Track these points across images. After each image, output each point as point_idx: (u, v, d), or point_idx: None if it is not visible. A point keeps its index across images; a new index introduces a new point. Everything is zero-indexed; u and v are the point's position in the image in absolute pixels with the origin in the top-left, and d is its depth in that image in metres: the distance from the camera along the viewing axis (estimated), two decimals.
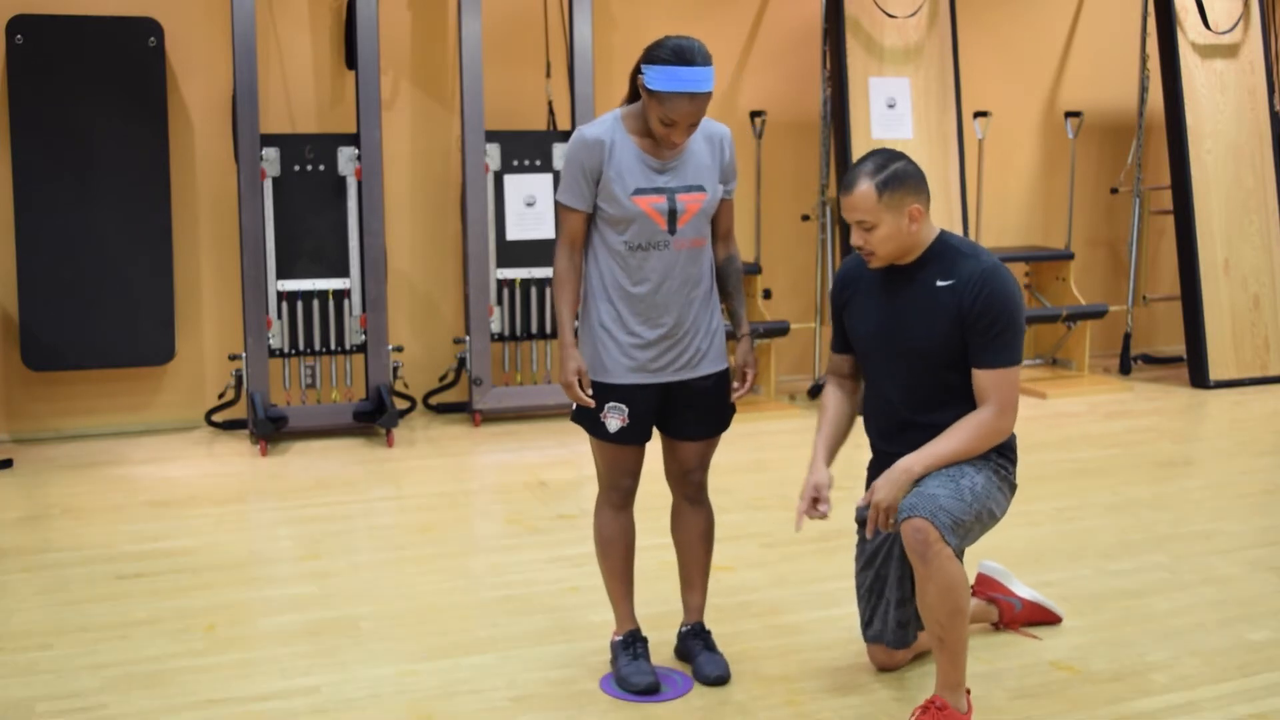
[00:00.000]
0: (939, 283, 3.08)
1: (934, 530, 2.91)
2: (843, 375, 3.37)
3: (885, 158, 3.09)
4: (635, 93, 3.19)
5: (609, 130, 3.16)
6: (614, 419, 3.21)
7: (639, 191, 3.13)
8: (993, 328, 3.03)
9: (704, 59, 3.05)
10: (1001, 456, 3.16)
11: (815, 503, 3.16)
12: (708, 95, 3.06)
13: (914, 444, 3.11)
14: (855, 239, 3.11)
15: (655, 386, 3.22)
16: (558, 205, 3.22)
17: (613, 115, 3.20)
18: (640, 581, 4.06)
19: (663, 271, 3.17)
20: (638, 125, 3.16)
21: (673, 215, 3.15)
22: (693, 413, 3.28)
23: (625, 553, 3.36)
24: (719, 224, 3.30)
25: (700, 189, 3.18)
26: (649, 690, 3.25)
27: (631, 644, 3.35)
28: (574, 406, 3.26)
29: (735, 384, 3.30)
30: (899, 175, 3.05)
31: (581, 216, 3.19)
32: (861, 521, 3.36)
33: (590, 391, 3.19)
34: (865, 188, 3.05)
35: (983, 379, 3.06)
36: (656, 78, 3.04)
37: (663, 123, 3.06)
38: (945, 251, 3.11)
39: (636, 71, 3.12)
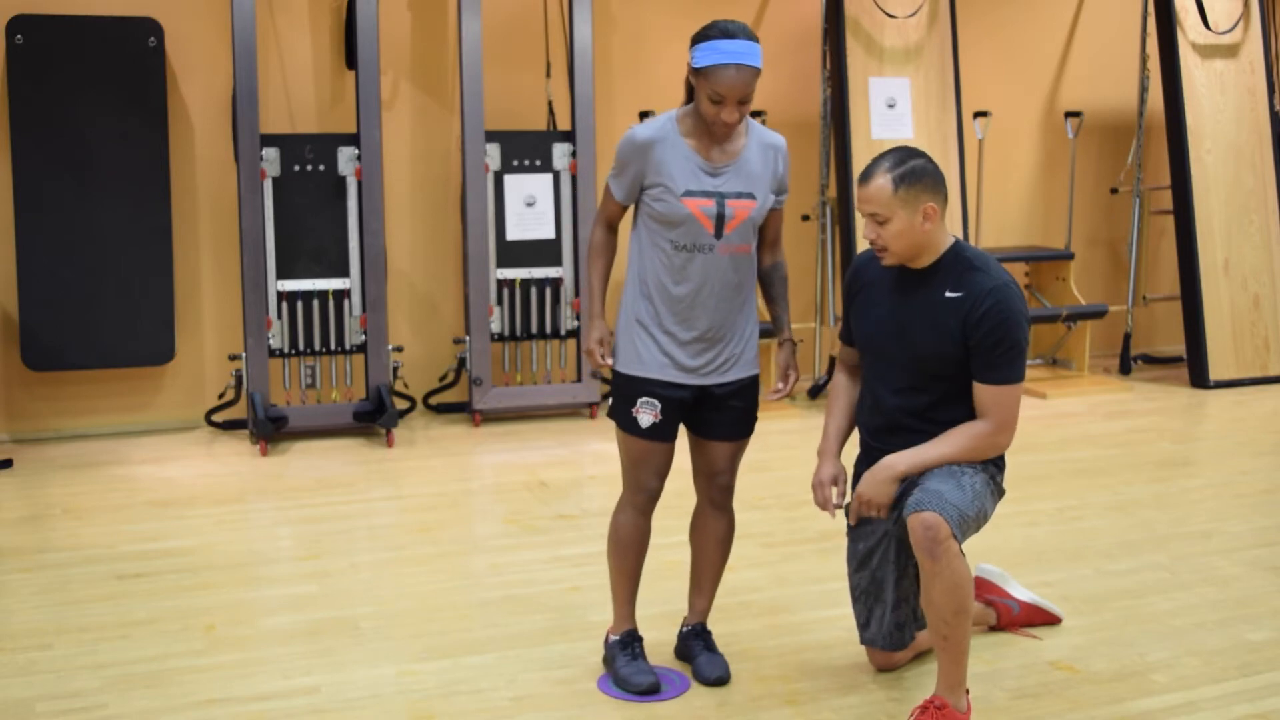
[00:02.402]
0: (948, 294, 3.08)
1: (945, 526, 2.91)
2: (853, 366, 3.37)
3: (905, 154, 3.09)
4: (690, 95, 3.18)
5: (661, 129, 3.16)
6: (646, 414, 3.21)
7: (689, 194, 3.12)
8: (998, 345, 3.03)
9: (749, 35, 3.06)
10: (991, 463, 3.17)
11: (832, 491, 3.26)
12: (755, 71, 3.05)
13: (905, 445, 3.14)
14: (868, 232, 3.11)
15: (687, 388, 3.22)
16: (606, 184, 3.26)
17: (668, 115, 3.20)
18: (642, 580, 4.07)
19: (704, 275, 3.17)
20: (692, 126, 3.16)
21: (720, 220, 3.14)
22: (720, 415, 3.27)
23: (639, 556, 3.36)
24: (767, 231, 3.29)
25: (750, 196, 3.17)
26: (650, 690, 3.25)
27: (630, 644, 3.35)
28: (610, 403, 3.28)
29: (778, 384, 3.31)
30: (916, 172, 3.05)
31: (620, 206, 3.25)
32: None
33: (610, 361, 3.24)
34: (881, 181, 3.05)
35: (983, 394, 3.07)
36: (702, 54, 3.05)
37: (711, 100, 3.05)
38: (958, 262, 3.11)
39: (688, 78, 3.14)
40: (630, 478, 3.31)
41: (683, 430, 3.33)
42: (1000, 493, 3.21)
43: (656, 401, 3.21)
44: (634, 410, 3.22)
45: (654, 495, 3.31)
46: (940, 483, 3.02)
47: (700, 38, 3.08)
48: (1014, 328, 3.04)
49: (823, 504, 3.29)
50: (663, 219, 3.15)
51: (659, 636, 3.58)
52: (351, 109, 6.14)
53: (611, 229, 3.31)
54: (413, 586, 4.08)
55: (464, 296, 6.36)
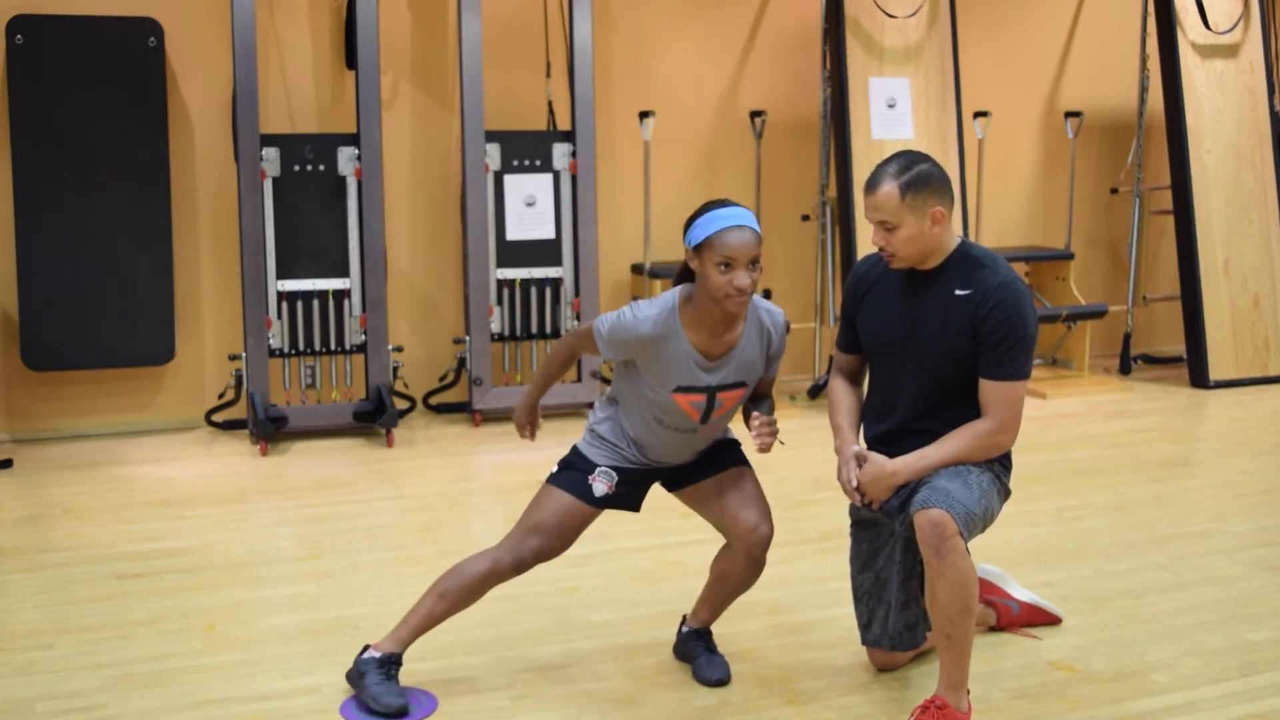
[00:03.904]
0: (957, 291, 3.07)
1: (952, 523, 2.91)
2: (851, 373, 3.37)
3: (910, 159, 3.07)
4: (686, 272, 3.13)
5: (664, 326, 3.07)
6: (602, 483, 3.20)
7: (680, 389, 3.10)
8: (1004, 341, 3.03)
9: (740, 206, 3.04)
10: (998, 463, 3.16)
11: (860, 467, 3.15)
12: (758, 235, 2.99)
13: (912, 449, 3.11)
14: (876, 239, 3.10)
15: (647, 471, 3.25)
16: (594, 330, 3.16)
17: (669, 303, 3.09)
18: (640, 581, 4.07)
19: (683, 445, 3.21)
20: (693, 315, 3.07)
21: (709, 410, 3.13)
22: (706, 459, 3.27)
23: (462, 608, 3.24)
24: (759, 387, 3.25)
25: (742, 385, 3.15)
26: (399, 713, 3.11)
27: (388, 665, 3.20)
28: (557, 469, 3.26)
29: (755, 416, 3.14)
30: (923, 177, 3.04)
31: (596, 354, 3.21)
32: (859, 522, 3.36)
33: (529, 435, 3.38)
34: (889, 188, 3.03)
35: (987, 390, 3.07)
36: (701, 227, 3.00)
37: (721, 270, 2.96)
38: (965, 261, 3.11)
39: (685, 263, 3.09)
40: (514, 540, 3.19)
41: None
42: (1006, 493, 3.20)
43: (615, 474, 3.21)
44: (590, 478, 3.20)
45: (520, 570, 3.20)
46: (948, 481, 3.01)
47: (693, 217, 3.04)
48: (1020, 323, 3.04)
49: (850, 486, 3.16)
50: (652, 400, 3.14)
51: (659, 636, 3.59)
52: (351, 109, 6.14)
53: (579, 354, 3.33)
54: (413, 586, 4.05)
55: (464, 296, 6.36)
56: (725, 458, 3.29)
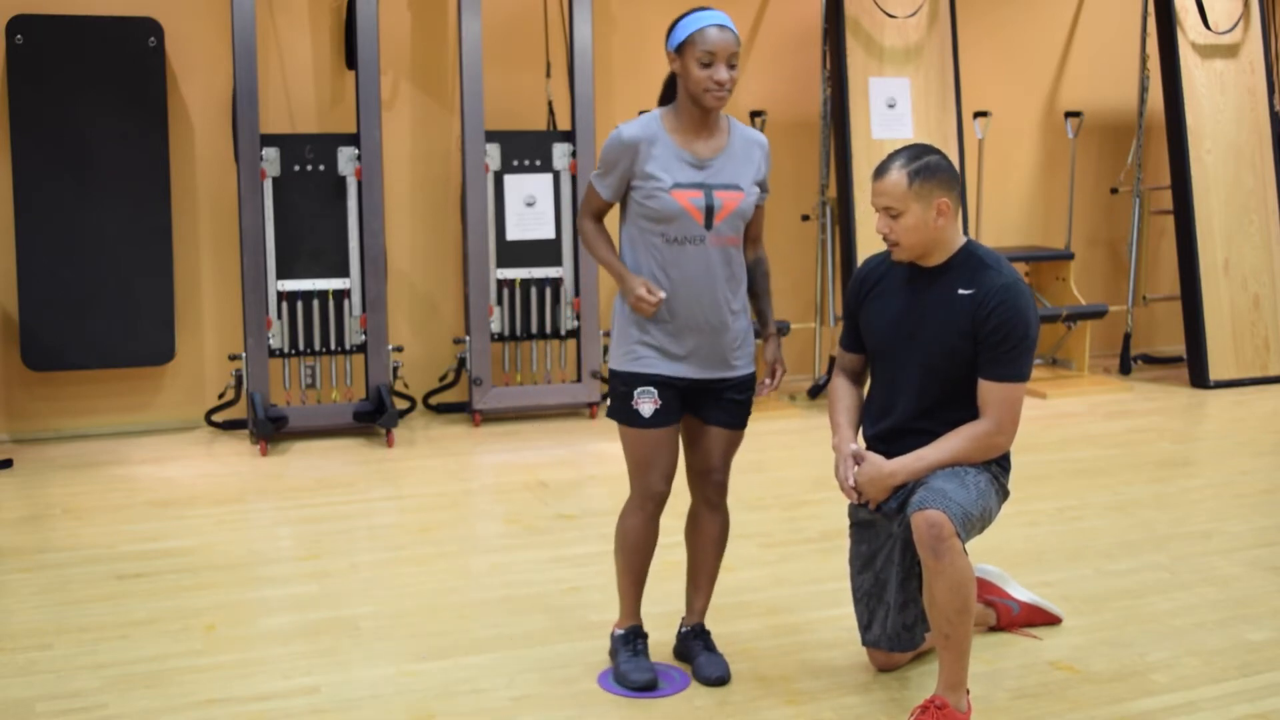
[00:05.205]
0: (960, 291, 3.09)
1: (949, 524, 2.91)
2: (853, 372, 3.38)
3: (920, 149, 3.12)
4: (668, 93, 3.27)
5: (647, 128, 3.21)
6: (646, 403, 3.23)
7: (678, 186, 3.16)
8: (1004, 341, 3.04)
9: (720, 10, 3.19)
10: (996, 463, 3.17)
11: (857, 465, 3.18)
12: (735, 35, 3.15)
13: (913, 448, 3.12)
14: (880, 226, 3.12)
15: (683, 382, 3.24)
16: (590, 183, 3.29)
17: (651, 114, 3.25)
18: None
19: (696, 266, 3.19)
20: (677, 122, 3.22)
21: (710, 211, 3.18)
22: (718, 404, 3.29)
23: (648, 558, 3.37)
24: (750, 228, 3.32)
25: (737, 188, 3.21)
26: (646, 687, 3.26)
27: (633, 640, 3.36)
28: (609, 404, 3.30)
29: (765, 379, 3.35)
30: (931, 167, 3.08)
31: (606, 203, 3.28)
32: (858, 523, 3.36)
33: (663, 295, 3.15)
34: (897, 175, 3.07)
35: (986, 390, 3.08)
36: (680, 29, 3.16)
37: (701, 64, 3.11)
38: (970, 260, 3.13)
39: (669, 79, 3.24)
40: (638, 483, 3.29)
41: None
42: (1005, 494, 3.20)
43: (653, 389, 3.22)
44: (634, 403, 3.23)
45: (662, 500, 3.30)
46: (945, 481, 3.02)
47: (674, 22, 3.19)
48: (1021, 324, 3.05)
49: (848, 484, 3.19)
50: (654, 215, 3.18)
51: (659, 637, 3.59)
52: (351, 109, 6.14)
53: (599, 220, 3.35)
54: (413, 586, 4.08)
55: (464, 296, 6.36)
56: (734, 418, 3.30)
